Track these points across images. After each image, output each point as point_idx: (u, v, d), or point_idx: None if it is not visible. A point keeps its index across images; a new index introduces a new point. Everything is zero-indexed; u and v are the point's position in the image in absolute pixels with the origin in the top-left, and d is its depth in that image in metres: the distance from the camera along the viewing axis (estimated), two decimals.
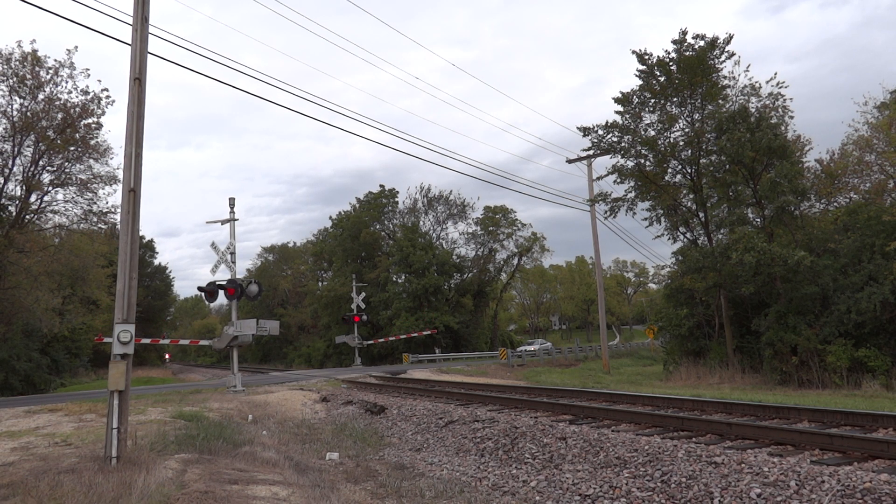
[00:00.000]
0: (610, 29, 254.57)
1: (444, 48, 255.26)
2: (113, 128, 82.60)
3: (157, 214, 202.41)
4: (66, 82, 26.04)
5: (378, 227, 53.48)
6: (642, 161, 25.09)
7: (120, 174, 18.51)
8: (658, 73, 24.07)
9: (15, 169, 26.85)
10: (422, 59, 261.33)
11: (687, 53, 23.20)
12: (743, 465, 6.30)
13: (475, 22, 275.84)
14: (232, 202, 19.49)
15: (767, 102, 23.03)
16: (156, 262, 66.16)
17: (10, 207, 28.02)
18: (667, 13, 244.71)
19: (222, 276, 19.52)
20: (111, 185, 27.85)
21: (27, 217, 27.99)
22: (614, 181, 26.37)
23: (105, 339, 26.16)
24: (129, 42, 8.55)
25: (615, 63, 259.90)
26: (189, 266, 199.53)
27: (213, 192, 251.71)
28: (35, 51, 25.73)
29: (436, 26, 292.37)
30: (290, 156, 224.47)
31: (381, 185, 54.12)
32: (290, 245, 77.56)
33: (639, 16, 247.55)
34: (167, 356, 63.04)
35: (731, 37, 23.02)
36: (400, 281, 47.86)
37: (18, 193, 27.71)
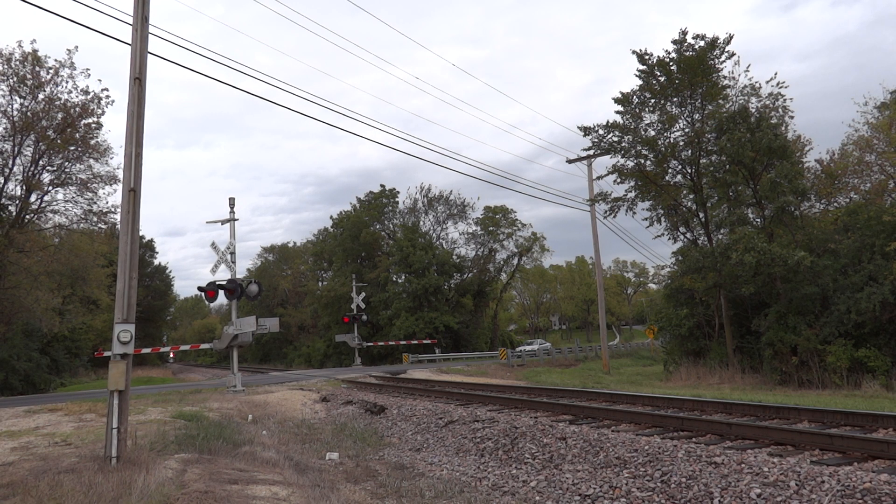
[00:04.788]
0: (621, 27, 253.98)
1: (456, 47, 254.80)
2: (113, 128, 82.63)
3: (163, 214, 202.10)
4: (67, 82, 26.05)
5: (378, 227, 53.50)
6: (642, 161, 25.10)
7: (120, 174, 18.50)
8: (658, 73, 24.07)
9: (15, 169, 26.86)
10: (432, 59, 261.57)
11: (687, 53, 23.20)
12: (743, 466, 6.30)
13: (487, 20, 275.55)
14: (232, 202, 19.50)
15: (767, 102, 23.05)
16: (156, 261, 66.19)
17: (10, 207, 28.01)
18: (678, 12, 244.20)
19: (222, 275, 19.53)
20: (111, 184, 27.83)
21: (27, 217, 27.99)
22: (614, 181, 26.43)
23: (105, 353, 26.19)
24: (130, 42, 8.55)
25: (624, 62, 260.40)
26: (193, 266, 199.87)
27: (220, 192, 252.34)
28: (35, 51, 25.74)
29: (448, 24, 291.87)
30: (298, 155, 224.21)
31: (382, 185, 54.25)
32: (291, 245, 77.69)
33: (650, 14, 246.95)
34: (171, 355, 63.03)
35: (731, 37, 23.05)
36: (400, 281, 47.87)
37: (18, 193, 27.72)
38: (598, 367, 32.84)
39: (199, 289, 18.98)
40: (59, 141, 26.14)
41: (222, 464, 7.60)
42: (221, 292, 18.70)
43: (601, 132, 25.44)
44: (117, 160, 27.80)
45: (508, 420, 10.03)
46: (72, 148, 26.80)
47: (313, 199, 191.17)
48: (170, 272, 70.20)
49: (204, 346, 25.31)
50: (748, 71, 29.23)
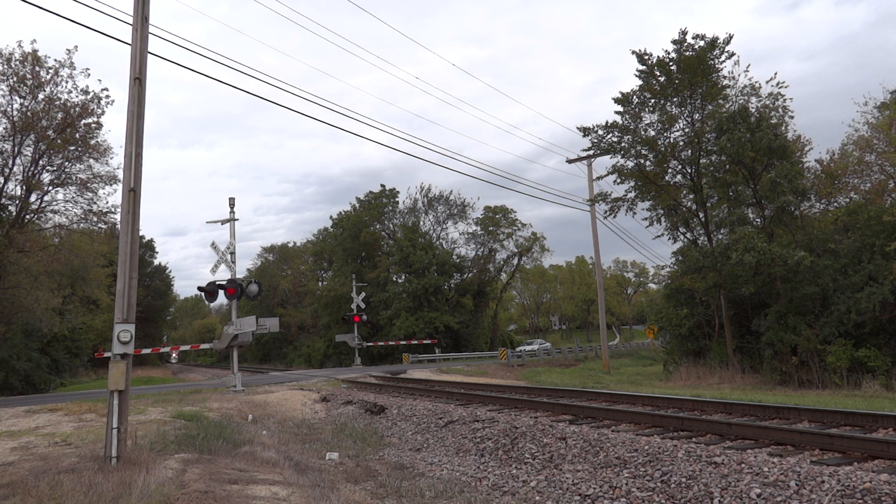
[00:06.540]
0: (624, 27, 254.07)
1: (459, 46, 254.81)
2: (113, 128, 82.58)
3: (165, 213, 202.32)
4: (66, 82, 26.07)
5: (378, 226, 53.50)
6: (642, 161, 25.09)
7: (120, 174, 18.51)
8: (658, 74, 24.05)
9: (15, 169, 26.89)
10: (435, 59, 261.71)
11: (687, 53, 23.19)
12: (743, 465, 6.30)
13: (491, 20, 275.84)
14: (231, 202, 19.50)
15: (767, 102, 23.02)
16: (156, 261, 66.23)
17: (10, 207, 28.02)
18: (683, 11, 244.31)
19: (223, 275, 19.53)
20: (111, 184, 27.87)
21: (27, 217, 27.99)
22: (614, 181, 26.41)
23: (105, 353, 26.24)
24: (130, 42, 8.54)
25: (627, 62, 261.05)
26: (194, 265, 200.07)
27: (222, 191, 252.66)
28: (35, 51, 25.76)
29: (452, 24, 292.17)
30: (301, 154, 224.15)
31: (382, 185, 54.28)
32: (291, 245, 77.72)
33: (654, 14, 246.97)
34: (174, 354, 62.69)
35: (730, 37, 23.04)
36: (400, 281, 47.87)
37: (18, 193, 27.74)
38: (598, 367, 32.83)
39: (200, 289, 18.99)
40: (59, 141, 26.15)
41: (222, 464, 7.60)
42: (221, 292, 18.70)
43: (601, 132, 25.43)
44: (117, 160, 27.86)
45: (508, 420, 10.03)
46: (72, 148, 26.82)
47: (315, 198, 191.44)
48: (170, 272, 70.32)
49: (204, 346, 25.31)
50: (748, 71, 29.32)
